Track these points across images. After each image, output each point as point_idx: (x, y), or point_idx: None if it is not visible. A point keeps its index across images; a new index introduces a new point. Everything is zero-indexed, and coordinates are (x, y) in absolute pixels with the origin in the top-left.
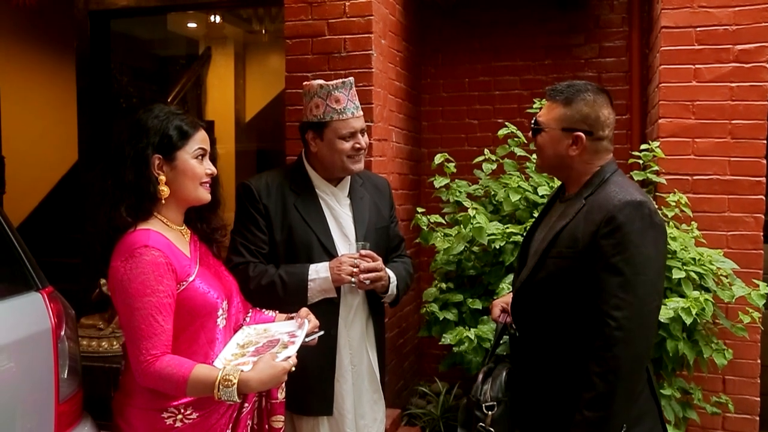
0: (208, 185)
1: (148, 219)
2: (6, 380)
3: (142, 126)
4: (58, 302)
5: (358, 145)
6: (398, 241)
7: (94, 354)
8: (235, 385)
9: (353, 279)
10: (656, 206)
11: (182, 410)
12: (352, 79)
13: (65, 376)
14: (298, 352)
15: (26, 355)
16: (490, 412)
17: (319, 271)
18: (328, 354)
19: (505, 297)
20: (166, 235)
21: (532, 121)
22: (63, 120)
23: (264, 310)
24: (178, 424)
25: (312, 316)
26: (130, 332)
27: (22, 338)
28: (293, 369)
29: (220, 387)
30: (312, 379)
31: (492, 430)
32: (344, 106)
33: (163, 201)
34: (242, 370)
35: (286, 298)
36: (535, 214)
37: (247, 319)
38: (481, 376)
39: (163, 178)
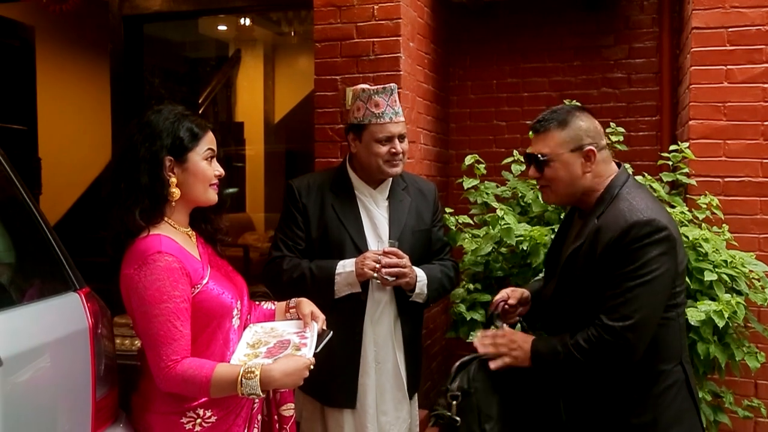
0: (216, 186)
1: (159, 223)
2: (46, 379)
3: (154, 128)
4: (95, 302)
5: (394, 150)
6: (441, 245)
7: (127, 352)
8: (258, 377)
9: (375, 274)
10: (670, 216)
11: (201, 413)
12: (394, 85)
13: (102, 375)
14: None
15: (65, 355)
16: (454, 402)
17: (345, 266)
18: (353, 349)
19: (506, 290)
20: (175, 239)
21: (536, 157)
22: (97, 121)
23: (263, 303)
24: (198, 428)
25: (316, 309)
26: (149, 339)
27: (61, 338)
28: (312, 367)
29: (243, 381)
30: (337, 372)
31: (458, 418)
32: (383, 110)
33: (174, 203)
34: (263, 364)
35: (315, 289)
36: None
37: (250, 316)
38: (455, 367)
39: (174, 180)
